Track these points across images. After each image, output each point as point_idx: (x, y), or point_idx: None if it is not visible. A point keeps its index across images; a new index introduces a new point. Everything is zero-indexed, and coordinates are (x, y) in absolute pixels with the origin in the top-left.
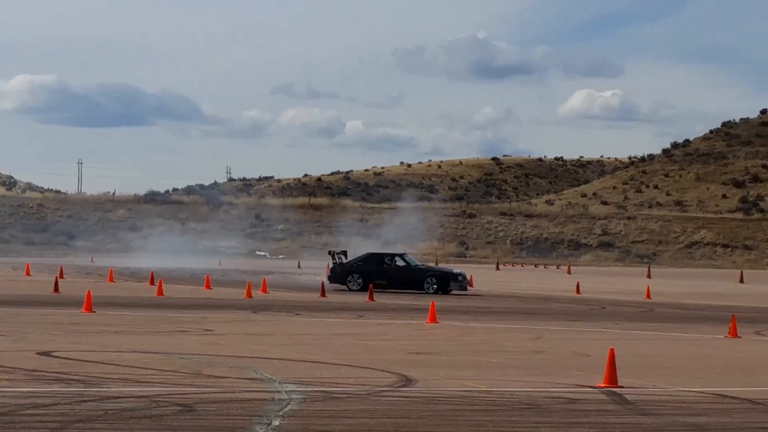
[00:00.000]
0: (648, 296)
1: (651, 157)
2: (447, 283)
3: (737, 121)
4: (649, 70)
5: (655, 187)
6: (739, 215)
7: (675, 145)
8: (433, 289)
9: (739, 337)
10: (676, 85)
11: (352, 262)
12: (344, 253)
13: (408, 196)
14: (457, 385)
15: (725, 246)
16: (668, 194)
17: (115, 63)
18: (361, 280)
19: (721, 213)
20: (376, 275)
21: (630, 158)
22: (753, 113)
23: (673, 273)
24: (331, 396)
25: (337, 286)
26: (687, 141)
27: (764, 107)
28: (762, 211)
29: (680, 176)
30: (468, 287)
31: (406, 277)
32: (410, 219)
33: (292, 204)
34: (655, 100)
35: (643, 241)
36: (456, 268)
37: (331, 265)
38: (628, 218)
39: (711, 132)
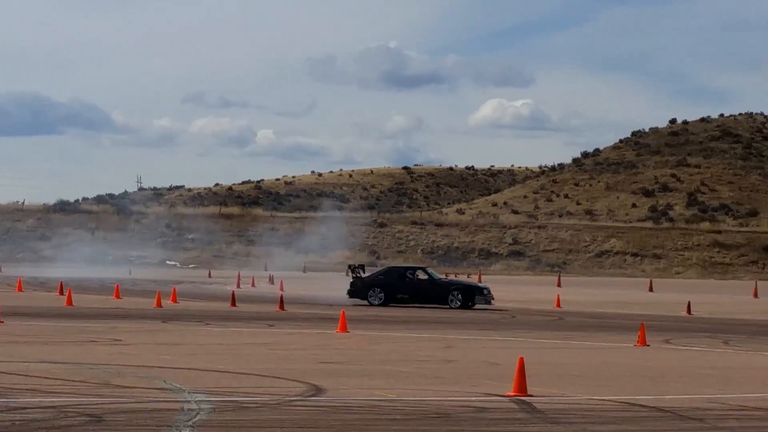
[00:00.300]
0: (558, 305)
1: (561, 166)
2: (472, 297)
3: (647, 130)
4: (560, 79)
5: (566, 196)
6: (649, 224)
7: (585, 155)
8: (458, 303)
9: (648, 346)
10: (586, 94)
11: (373, 276)
12: (362, 267)
13: (319, 206)
14: (367, 394)
15: (635, 255)
16: (578, 203)
17: (24, 71)
18: (382, 294)
19: (630, 222)
20: (398, 289)
21: (540, 167)
22: (662, 123)
23: (583, 282)
24: (241, 406)
25: (357, 301)
26: (597, 150)
27: (674, 117)
28: (671, 220)
29: (590, 185)
30: (492, 301)
31: (430, 291)
32: (321, 228)
33: (203, 213)
34: (566, 110)
35: (553, 250)
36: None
37: (351, 280)
38: (539, 227)
39: (621, 141)
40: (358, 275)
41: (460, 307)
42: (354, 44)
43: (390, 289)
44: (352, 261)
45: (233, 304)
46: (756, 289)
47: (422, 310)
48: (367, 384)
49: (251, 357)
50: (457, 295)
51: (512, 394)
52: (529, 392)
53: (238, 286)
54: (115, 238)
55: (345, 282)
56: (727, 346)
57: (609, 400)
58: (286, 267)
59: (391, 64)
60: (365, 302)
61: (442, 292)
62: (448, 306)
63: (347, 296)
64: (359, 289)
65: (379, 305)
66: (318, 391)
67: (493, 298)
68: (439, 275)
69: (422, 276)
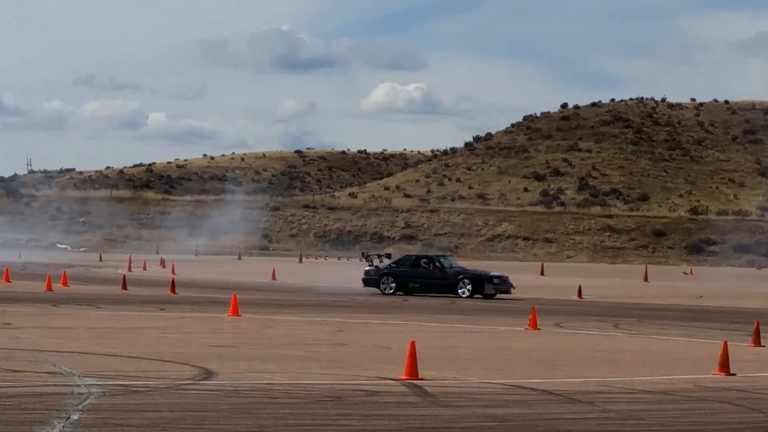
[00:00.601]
0: None
1: (453, 150)
2: (482, 285)
3: (538, 115)
4: (452, 63)
5: (458, 180)
6: (540, 208)
7: (477, 139)
8: (468, 292)
9: (539, 329)
10: (478, 78)
11: (388, 265)
12: (388, 256)
13: (211, 189)
14: (259, 378)
15: (526, 239)
16: (470, 187)
17: None
18: (394, 283)
19: (522, 206)
20: (410, 278)
21: (433, 151)
22: (554, 107)
23: (474, 266)
24: (131, 390)
25: (373, 289)
26: (489, 134)
27: (565, 101)
28: (563, 204)
29: (482, 169)
30: (511, 290)
31: (440, 280)
32: (213, 212)
33: (94, 196)
34: (458, 94)
35: (445, 233)
36: (495, 270)
37: (366, 268)
38: (431, 211)
39: (513, 126)
40: (372, 263)
41: (469, 296)
42: (246, 27)
43: (402, 277)
44: (242, 244)
45: (124, 287)
46: (646, 273)
47: (315, 293)
48: (259, 368)
49: (142, 341)
50: (467, 284)
51: (404, 377)
52: (420, 376)
53: (130, 269)
54: (5, 221)
55: (244, 266)
56: (617, 330)
57: (500, 384)
58: (178, 251)
59: (284, 48)
60: (379, 291)
61: (452, 281)
62: (457, 295)
63: (362, 284)
64: (373, 278)
65: (390, 294)
66: (209, 374)
67: (512, 287)
68: (457, 263)
69: (436, 264)
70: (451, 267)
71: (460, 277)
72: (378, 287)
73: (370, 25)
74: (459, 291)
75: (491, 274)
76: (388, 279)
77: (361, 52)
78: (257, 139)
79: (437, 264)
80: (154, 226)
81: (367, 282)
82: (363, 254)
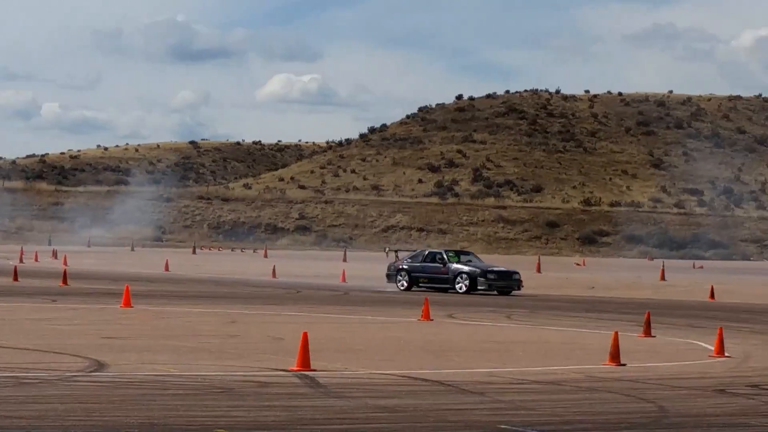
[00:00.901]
0: (343, 280)
1: (348, 141)
2: (475, 281)
3: (433, 106)
4: (348, 55)
5: (353, 171)
6: (435, 200)
7: (372, 130)
8: (465, 287)
9: (432, 320)
10: (373, 70)
11: (405, 259)
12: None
13: (105, 180)
14: (150, 369)
15: (421, 230)
16: (365, 178)
17: None
18: (407, 279)
19: (416, 197)
20: (419, 273)
21: (328, 143)
22: (449, 99)
23: (369, 257)
24: (21, 382)
25: (394, 286)
26: (384, 126)
27: (460, 93)
28: (457, 195)
29: (377, 161)
30: (519, 286)
31: (442, 275)
32: (107, 203)
33: None
34: (353, 85)
35: (339, 225)
36: (502, 266)
37: (389, 263)
38: (325, 202)
39: (408, 117)
40: (397, 258)
41: (466, 292)
42: (141, 17)
43: (413, 272)
44: (135, 235)
45: (15, 278)
46: (539, 264)
47: (207, 285)
48: (151, 359)
49: (33, 332)
50: (464, 279)
51: (296, 368)
52: (312, 367)
53: (21, 260)
54: None
55: (137, 257)
56: (510, 320)
57: (392, 375)
58: (71, 242)
59: (179, 38)
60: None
61: (452, 276)
62: (455, 291)
63: (386, 280)
64: (392, 274)
65: (404, 290)
66: (100, 366)
67: (519, 283)
68: (477, 259)
69: (439, 259)
70: (452, 263)
71: (458, 272)
72: (396, 283)
73: (265, 15)
74: (457, 286)
75: (489, 269)
76: (402, 275)
77: (256, 42)
78: (152, 130)
79: (440, 259)
80: (47, 218)
81: (389, 278)
82: (385, 249)
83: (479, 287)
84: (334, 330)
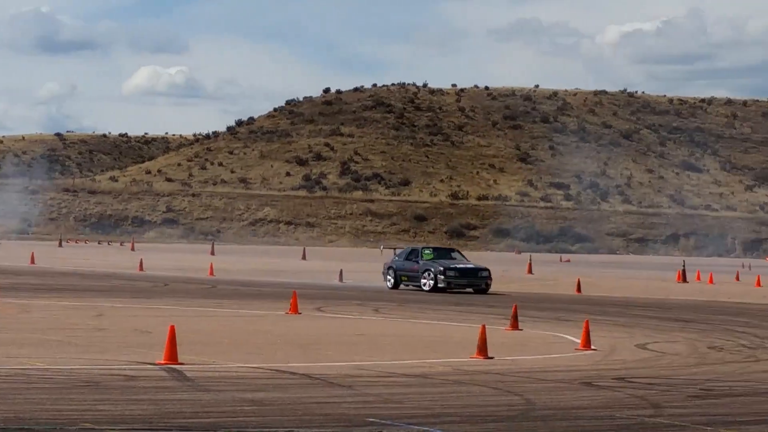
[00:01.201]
0: (211, 273)
1: (216, 134)
2: (436, 278)
3: (301, 99)
4: (215, 47)
5: (220, 164)
6: (303, 193)
7: (240, 123)
8: (429, 285)
9: (300, 314)
10: (241, 63)
11: (394, 257)
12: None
13: None
14: (15, 363)
15: (288, 223)
16: (233, 171)
17: None
18: (393, 276)
19: (284, 190)
20: (401, 271)
21: (195, 135)
22: (316, 92)
23: (236, 250)
24: None
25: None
26: (251, 119)
27: (327, 86)
28: (324, 188)
29: (245, 153)
30: (486, 284)
31: (416, 273)
32: None
33: None
34: (221, 78)
35: (207, 218)
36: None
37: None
38: (193, 195)
39: (275, 110)
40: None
41: (431, 290)
42: (5, 8)
43: (398, 271)
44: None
45: None
46: None
47: (74, 278)
48: (16, 353)
49: None
50: (429, 277)
51: (163, 362)
52: (180, 360)
53: None
54: None
55: (2, 250)
56: (378, 314)
57: (260, 368)
58: None
59: (44, 29)
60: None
61: (421, 273)
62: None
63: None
64: (384, 272)
65: (391, 288)
66: None
67: (487, 281)
68: (461, 257)
69: (415, 257)
70: (426, 261)
71: (425, 270)
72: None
73: (131, 7)
74: (422, 284)
75: (450, 266)
76: (389, 272)
77: (122, 34)
78: (17, 122)
79: (416, 257)
80: None
81: (383, 275)
82: (381, 247)
83: (439, 285)
84: (202, 323)
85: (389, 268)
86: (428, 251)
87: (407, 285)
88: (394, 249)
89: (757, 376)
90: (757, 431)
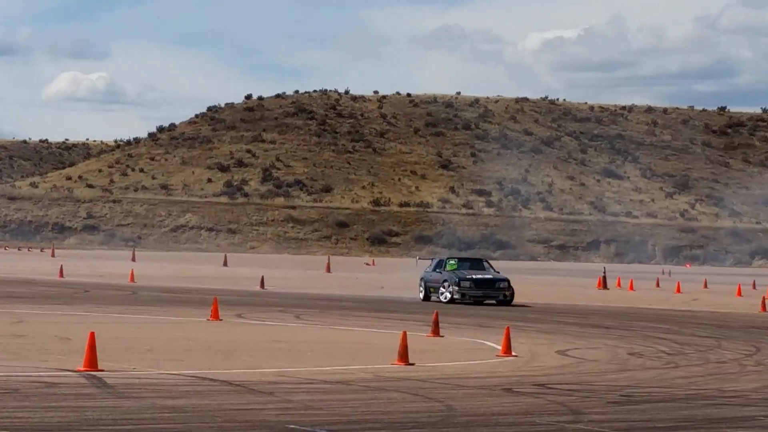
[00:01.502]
0: (132, 279)
1: (137, 140)
2: (428, 291)
3: (222, 105)
4: (136, 53)
5: (141, 170)
6: (224, 199)
7: (161, 129)
8: (448, 296)
9: (222, 320)
10: (163, 69)
11: (427, 269)
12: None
13: None
14: None
15: (210, 229)
16: (154, 177)
17: None
18: (424, 287)
19: (206, 197)
20: (430, 283)
21: (116, 141)
22: (238, 98)
23: (158, 256)
24: None
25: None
26: (173, 125)
27: (249, 93)
28: (246, 195)
29: (166, 160)
30: (505, 295)
31: (439, 284)
32: None
33: None
34: (142, 84)
35: (128, 224)
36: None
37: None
38: (114, 201)
39: (197, 116)
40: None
41: (448, 302)
42: None
43: (428, 282)
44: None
45: None
46: (329, 263)
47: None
48: None
49: None
50: (448, 287)
51: (83, 369)
52: (100, 367)
53: None
54: None
55: None
56: (300, 320)
57: (180, 375)
58: None
59: None
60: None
61: (441, 284)
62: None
63: None
64: (419, 283)
65: (422, 300)
66: None
67: (506, 291)
68: (488, 267)
69: (441, 268)
70: (455, 270)
71: (443, 281)
72: None
73: (52, 13)
74: (440, 294)
75: (467, 276)
76: (421, 284)
77: (42, 40)
78: None
79: (441, 268)
80: None
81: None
82: (417, 258)
83: (454, 297)
84: (123, 330)
85: (421, 279)
86: (453, 261)
87: (437, 296)
88: (432, 260)
89: (676, 382)
90: None
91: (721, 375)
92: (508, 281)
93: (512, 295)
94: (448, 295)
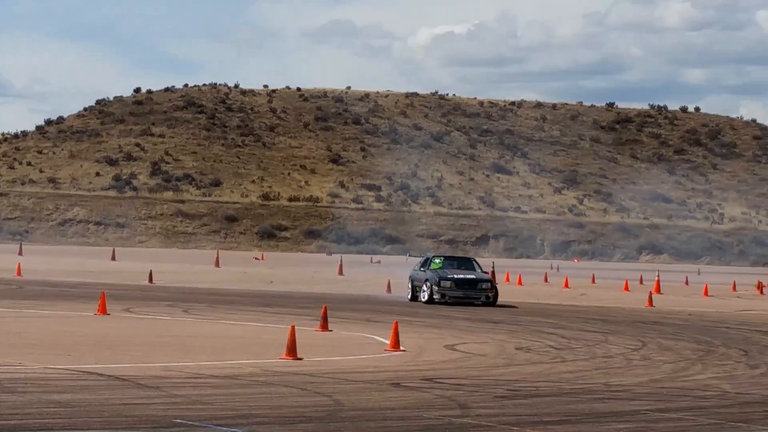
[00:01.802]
0: (19, 273)
1: (24, 133)
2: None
3: (111, 99)
4: (23, 45)
5: (29, 164)
6: (113, 193)
7: (49, 122)
8: (425, 297)
9: (109, 314)
10: (51, 61)
11: (415, 266)
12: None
13: None
14: None
15: (98, 223)
16: (42, 171)
17: None
18: (411, 286)
19: (94, 190)
20: (416, 282)
21: (3, 134)
22: (127, 92)
23: (45, 250)
24: None
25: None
26: (61, 118)
27: (138, 86)
28: (135, 189)
29: (54, 153)
30: (487, 296)
31: (422, 283)
32: None
33: None
34: (30, 76)
35: (15, 218)
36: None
37: None
38: (0, 195)
39: (85, 110)
40: None
41: (427, 302)
42: None
43: (414, 281)
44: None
45: None
46: (217, 258)
47: None
48: None
49: None
50: (428, 287)
51: None
52: None
53: None
54: None
55: None
56: (188, 315)
57: (66, 369)
58: None
59: None
60: None
61: (423, 283)
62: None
63: None
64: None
65: (409, 300)
66: None
67: (488, 292)
68: (475, 266)
69: (426, 266)
70: (439, 269)
71: (424, 280)
72: None
73: None
74: (421, 294)
75: (447, 277)
76: (409, 283)
77: None
78: None
79: (426, 267)
80: None
81: None
82: (407, 255)
83: (434, 297)
84: (8, 324)
85: (409, 277)
86: (438, 260)
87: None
88: (421, 258)
89: (563, 376)
90: (562, 431)
91: (607, 369)
92: (491, 282)
93: (495, 296)
94: (427, 296)
